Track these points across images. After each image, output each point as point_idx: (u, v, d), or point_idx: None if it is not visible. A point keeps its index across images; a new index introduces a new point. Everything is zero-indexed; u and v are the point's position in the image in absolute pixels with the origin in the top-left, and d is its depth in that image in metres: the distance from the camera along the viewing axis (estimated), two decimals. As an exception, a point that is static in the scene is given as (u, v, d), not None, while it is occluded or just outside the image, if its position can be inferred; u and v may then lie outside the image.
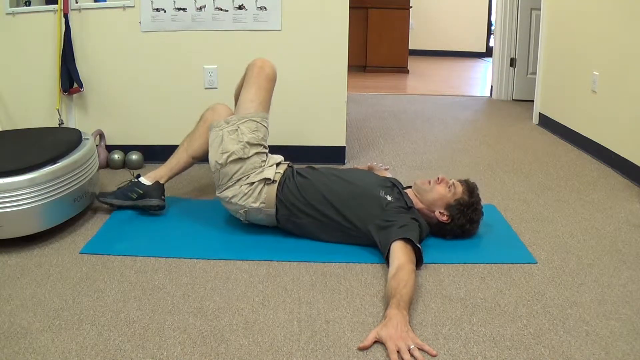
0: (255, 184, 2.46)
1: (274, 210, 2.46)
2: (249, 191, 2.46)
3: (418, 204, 2.50)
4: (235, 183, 2.48)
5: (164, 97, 3.48)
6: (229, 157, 2.47)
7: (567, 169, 3.59)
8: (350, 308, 1.99)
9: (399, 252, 2.17)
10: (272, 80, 2.67)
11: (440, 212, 2.46)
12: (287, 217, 2.47)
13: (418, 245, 2.22)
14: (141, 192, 2.68)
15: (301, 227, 2.47)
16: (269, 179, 2.47)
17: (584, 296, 2.09)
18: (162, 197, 2.69)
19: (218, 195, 2.56)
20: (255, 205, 2.46)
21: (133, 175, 2.80)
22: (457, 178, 2.56)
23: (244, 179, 2.48)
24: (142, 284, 2.13)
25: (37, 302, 1.98)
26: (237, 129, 2.51)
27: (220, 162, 2.48)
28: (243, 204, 2.47)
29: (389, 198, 2.41)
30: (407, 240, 2.21)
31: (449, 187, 2.47)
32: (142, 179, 2.72)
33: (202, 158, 2.71)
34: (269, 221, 2.52)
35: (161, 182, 2.73)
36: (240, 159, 2.48)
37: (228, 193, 2.50)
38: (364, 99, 5.81)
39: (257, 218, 2.51)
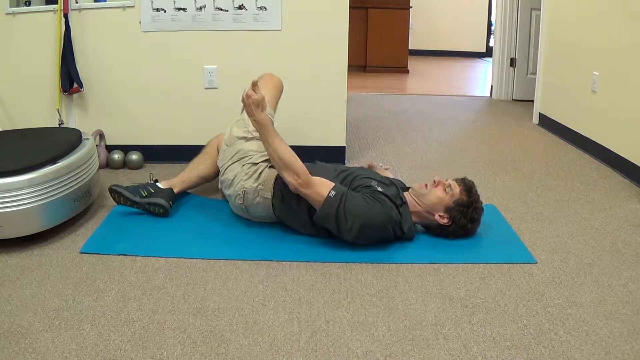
0: (258, 164, 2.55)
1: (270, 194, 2.48)
2: (250, 171, 2.53)
3: (417, 207, 2.50)
4: (236, 162, 2.58)
5: (164, 97, 3.48)
6: (233, 139, 2.68)
7: (567, 169, 3.59)
8: (350, 308, 1.99)
9: (322, 179, 2.35)
10: (279, 88, 2.93)
11: (440, 216, 2.46)
12: (283, 204, 2.47)
13: (331, 197, 2.29)
14: (152, 191, 2.72)
15: (295, 215, 2.47)
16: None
17: (584, 296, 2.09)
18: (170, 202, 2.71)
19: (220, 179, 2.67)
20: (254, 185, 2.50)
21: (151, 178, 2.86)
22: (454, 177, 2.55)
23: (246, 159, 2.58)
24: (142, 284, 2.13)
25: (37, 302, 1.98)
26: (243, 119, 2.74)
27: (226, 143, 2.68)
28: (243, 184, 2.52)
29: (379, 189, 2.40)
30: (334, 187, 2.32)
31: (446, 189, 2.46)
32: (158, 183, 2.79)
33: (210, 179, 2.91)
34: (266, 209, 2.52)
35: (174, 190, 2.78)
36: (243, 138, 2.67)
37: (229, 175, 2.58)
38: (364, 99, 5.81)
39: (253, 203, 2.52)
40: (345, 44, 3.41)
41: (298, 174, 2.31)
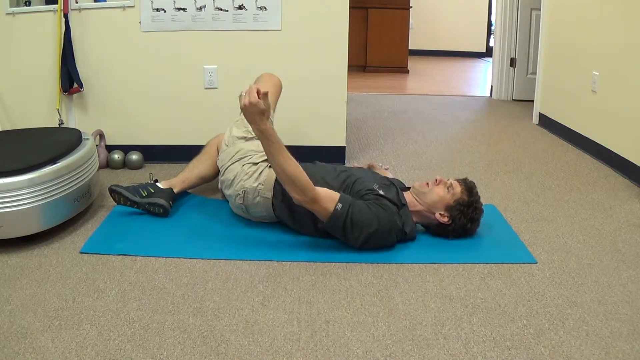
0: (258, 164, 2.56)
1: (270, 193, 2.48)
2: (250, 171, 2.53)
3: (417, 206, 2.50)
4: (236, 162, 2.59)
5: (164, 97, 3.48)
6: (233, 139, 2.70)
7: (567, 169, 3.59)
8: (350, 308, 1.99)
9: (328, 190, 2.29)
10: (278, 87, 2.92)
11: (440, 214, 2.46)
12: (283, 204, 2.47)
13: (338, 209, 2.25)
14: (152, 191, 2.72)
15: (295, 215, 2.47)
16: None
17: (584, 296, 2.09)
18: (170, 202, 2.72)
19: (220, 179, 2.68)
20: (254, 185, 2.50)
21: (151, 178, 2.87)
22: (455, 177, 2.56)
23: (246, 159, 2.58)
24: (142, 284, 2.13)
25: (37, 302, 1.98)
26: (243, 119, 2.71)
27: (226, 143, 2.71)
28: (243, 184, 2.52)
29: (381, 192, 2.40)
30: (340, 199, 2.27)
31: (447, 188, 2.47)
32: (158, 183, 2.79)
33: (210, 179, 2.91)
34: (266, 208, 2.52)
35: (174, 190, 2.79)
36: (243, 138, 2.71)
37: (229, 175, 2.58)
38: (364, 99, 5.81)
39: (254, 203, 2.53)
40: (345, 44, 3.41)
41: (304, 191, 2.22)
